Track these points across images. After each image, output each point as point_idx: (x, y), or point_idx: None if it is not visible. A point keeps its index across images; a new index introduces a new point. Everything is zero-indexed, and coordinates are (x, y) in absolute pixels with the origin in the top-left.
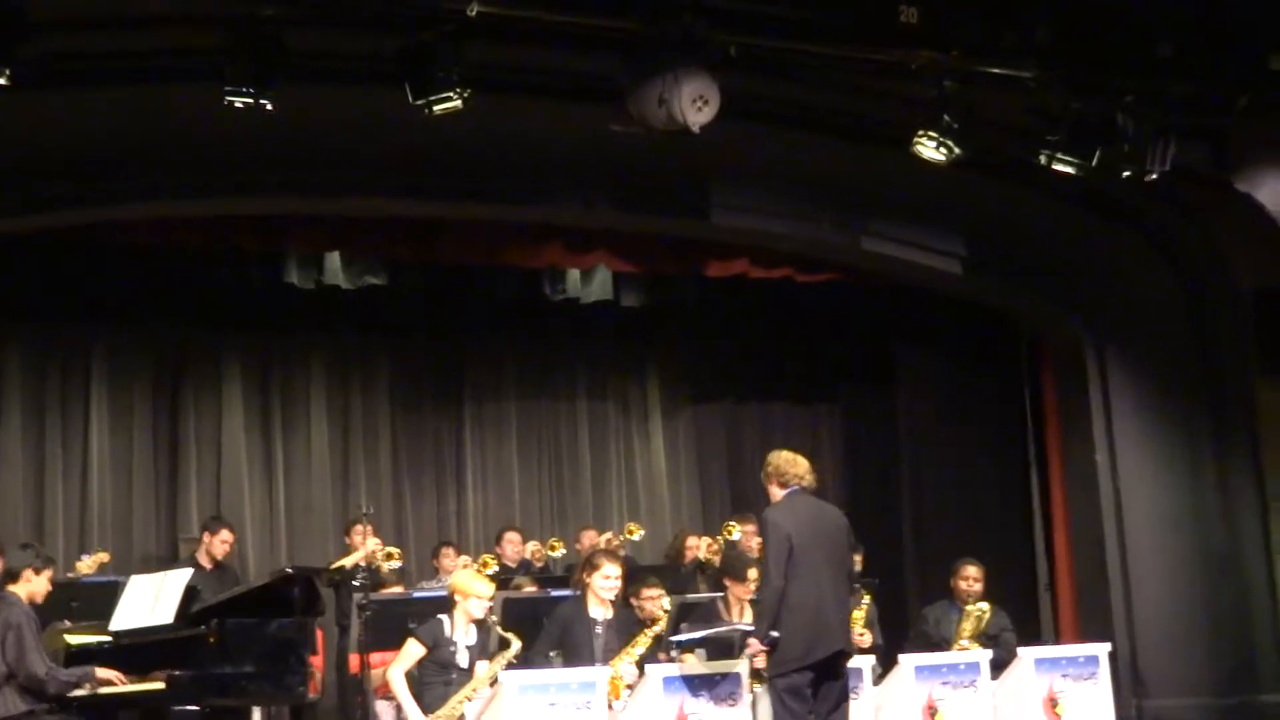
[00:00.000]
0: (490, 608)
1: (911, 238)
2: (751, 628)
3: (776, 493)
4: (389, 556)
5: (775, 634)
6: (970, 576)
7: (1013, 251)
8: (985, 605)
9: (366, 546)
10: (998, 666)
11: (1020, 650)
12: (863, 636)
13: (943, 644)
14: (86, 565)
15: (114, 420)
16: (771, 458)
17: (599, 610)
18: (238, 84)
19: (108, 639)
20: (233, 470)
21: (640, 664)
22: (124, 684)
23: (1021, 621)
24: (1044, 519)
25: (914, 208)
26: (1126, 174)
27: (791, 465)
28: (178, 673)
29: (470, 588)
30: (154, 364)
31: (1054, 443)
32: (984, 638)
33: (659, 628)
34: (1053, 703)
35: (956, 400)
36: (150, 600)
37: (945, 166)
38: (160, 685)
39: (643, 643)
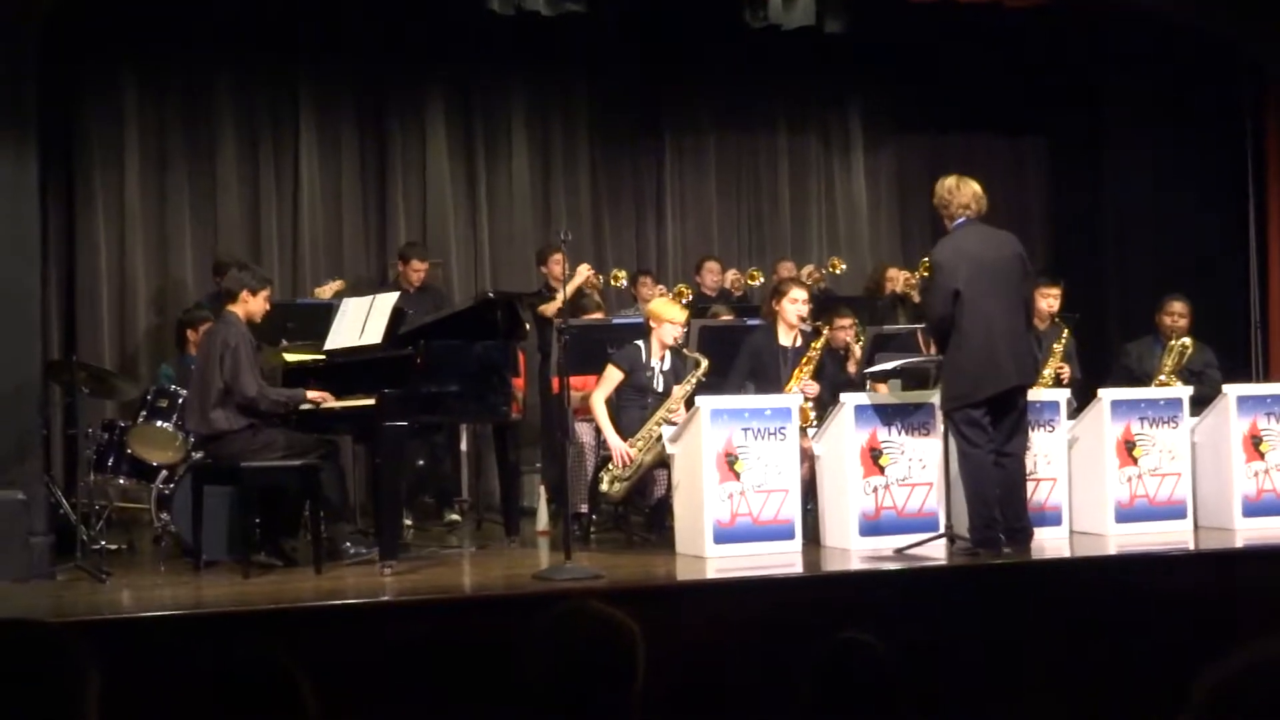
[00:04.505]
0: (684, 334)
1: None
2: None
3: (947, 225)
4: (615, 278)
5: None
6: (1175, 312)
7: None
8: (1188, 340)
9: (581, 273)
10: (1200, 403)
11: (1225, 388)
12: (1061, 370)
13: (1144, 379)
14: (327, 291)
15: (322, 150)
16: (936, 188)
17: (788, 338)
18: None
19: (322, 358)
20: (437, 199)
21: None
22: (333, 402)
23: (1231, 360)
24: (1260, 258)
25: None
26: None
27: (955, 195)
28: (387, 390)
29: (664, 313)
30: (358, 94)
31: (1274, 181)
32: (1186, 373)
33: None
34: (1255, 440)
35: (1168, 134)
36: (360, 322)
37: None
38: (371, 402)
39: (814, 356)
